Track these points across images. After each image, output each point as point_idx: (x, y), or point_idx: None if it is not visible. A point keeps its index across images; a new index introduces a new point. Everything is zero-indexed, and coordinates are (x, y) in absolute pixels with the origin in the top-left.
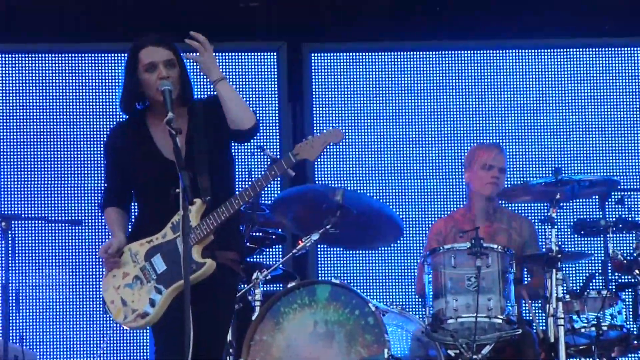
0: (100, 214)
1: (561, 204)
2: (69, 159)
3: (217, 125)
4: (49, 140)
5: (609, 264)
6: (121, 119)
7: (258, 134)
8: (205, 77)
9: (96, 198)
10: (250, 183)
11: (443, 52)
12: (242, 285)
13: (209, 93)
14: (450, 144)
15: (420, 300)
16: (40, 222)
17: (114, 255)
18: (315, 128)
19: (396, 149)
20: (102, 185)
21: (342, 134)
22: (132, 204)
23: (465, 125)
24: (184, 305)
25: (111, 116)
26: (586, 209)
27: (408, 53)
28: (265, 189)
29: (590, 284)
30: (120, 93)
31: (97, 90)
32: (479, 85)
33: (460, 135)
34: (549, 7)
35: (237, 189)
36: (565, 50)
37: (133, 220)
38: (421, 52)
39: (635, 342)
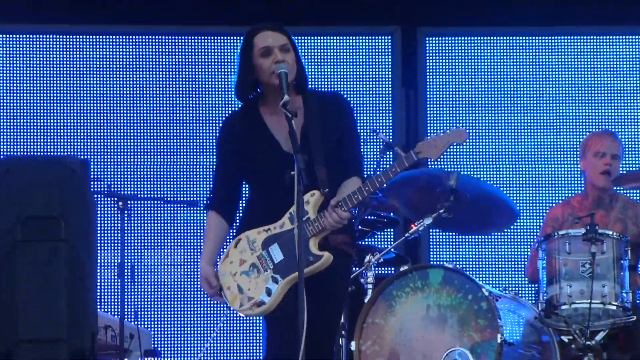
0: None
1: None
2: (186, 140)
3: (335, 125)
4: (166, 121)
5: None
6: (235, 108)
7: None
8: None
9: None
10: (370, 179)
11: (560, 38)
12: (355, 268)
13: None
14: (566, 129)
15: (533, 285)
16: (156, 202)
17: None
18: (428, 113)
19: (511, 134)
20: (210, 181)
21: (467, 135)
22: (237, 212)
23: (582, 110)
24: (299, 291)
25: (227, 98)
26: None
27: (523, 38)
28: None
29: None
30: (235, 80)
31: (213, 72)
32: (596, 70)
33: (577, 121)
34: None
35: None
36: None
37: (245, 208)
38: (538, 37)
39: None
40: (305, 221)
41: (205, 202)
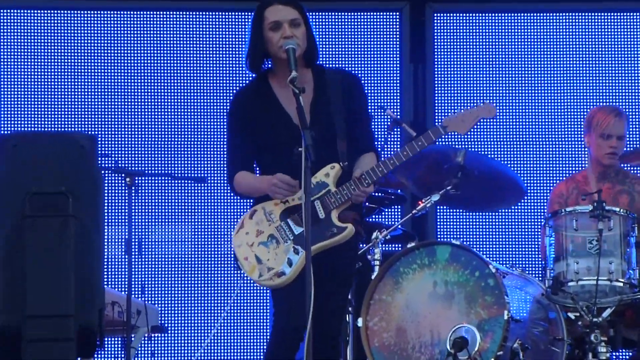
0: (226, 182)
1: None
2: (194, 116)
3: (347, 102)
4: (174, 97)
5: None
6: (245, 83)
7: (379, 95)
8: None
9: (221, 155)
10: (395, 152)
11: (568, 14)
12: (362, 245)
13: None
14: (574, 106)
15: (540, 262)
16: (164, 178)
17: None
18: (436, 89)
19: (519, 111)
20: (224, 158)
21: (495, 110)
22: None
23: (590, 87)
24: (306, 267)
25: (236, 74)
26: None
27: (531, 14)
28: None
29: None
30: (246, 51)
31: (221, 49)
32: (605, 47)
33: (586, 98)
34: None
35: None
36: None
37: None
38: (546, 14)
39: None
40: (326, 193)
41: (227, 179)
